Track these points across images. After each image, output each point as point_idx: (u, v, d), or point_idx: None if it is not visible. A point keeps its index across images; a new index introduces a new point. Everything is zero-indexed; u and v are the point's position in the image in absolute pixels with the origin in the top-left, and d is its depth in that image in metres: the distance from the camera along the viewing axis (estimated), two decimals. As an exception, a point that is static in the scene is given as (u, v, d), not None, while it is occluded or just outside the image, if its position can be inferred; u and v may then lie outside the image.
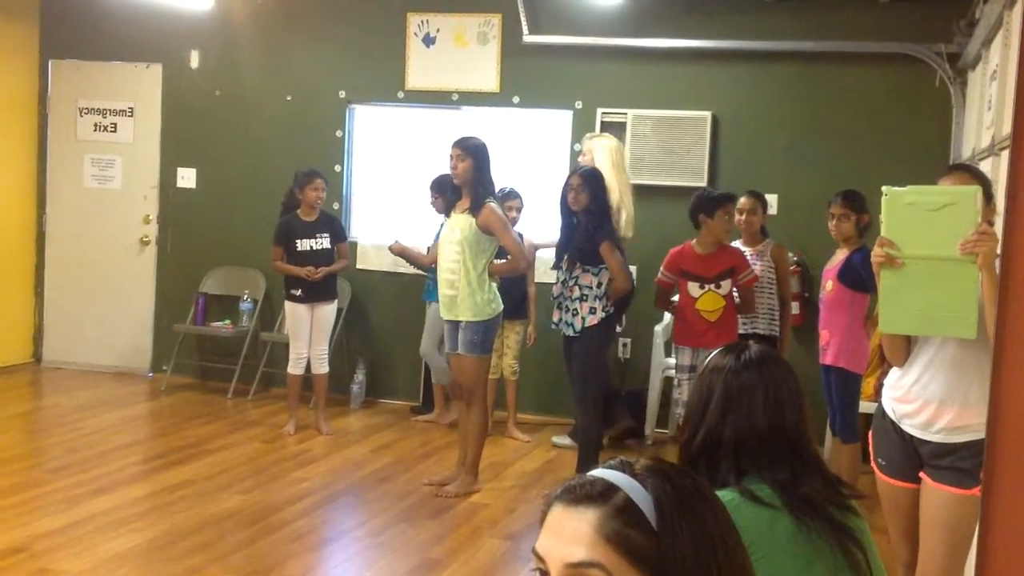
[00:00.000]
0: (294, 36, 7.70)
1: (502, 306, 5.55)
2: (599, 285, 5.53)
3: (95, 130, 8.18)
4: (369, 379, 7.51)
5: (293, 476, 5.77)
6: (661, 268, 5.69)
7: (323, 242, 6.62)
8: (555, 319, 5.68)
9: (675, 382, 5.83)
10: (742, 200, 5.93)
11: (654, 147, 6.99)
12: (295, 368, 6.67)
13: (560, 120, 7.31)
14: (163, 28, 7.79)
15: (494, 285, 5.51)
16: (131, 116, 8.12)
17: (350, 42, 7.61)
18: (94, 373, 8.04)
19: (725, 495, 1.93)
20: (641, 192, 6.96)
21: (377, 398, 7.56)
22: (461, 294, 5.41)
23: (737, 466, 2.03)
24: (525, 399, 7.03)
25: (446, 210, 5.65)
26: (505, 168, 7.00)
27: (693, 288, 5.54)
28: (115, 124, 8.15)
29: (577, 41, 7.15)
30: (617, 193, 6.09)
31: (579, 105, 7.18)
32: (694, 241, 5.63)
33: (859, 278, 4.96)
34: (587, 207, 5.54)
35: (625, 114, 7.01)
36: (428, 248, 6.25)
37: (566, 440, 6.56)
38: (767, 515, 1.96)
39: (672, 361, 6.23)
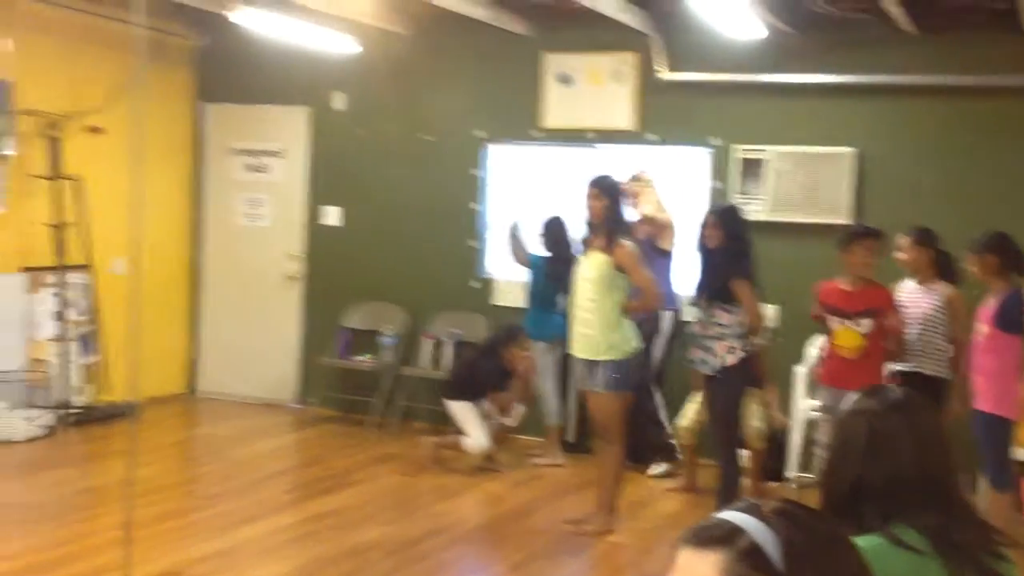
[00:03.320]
0: (433, 78, 7.90)
1: (638, 343, 5.55)
2: (739, 323, 5.46)
3: (247, 170, 8.54)
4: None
5: (434, 509, 5.87)
6: (815, 302, 5.63)
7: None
8: (693, 358, 5.64)
9: (818, 423, 5.72)
10: (899, 238, 5.76)
11: (794, 184, 6.90)
12: (474, 452, 6.66)
13: (697, 158, 7.29)
14: (310, 72, 8.09)
15: (630, 324, 5.52)
16: (280, 157, 8.45)
17: (487, 82, 7.77)
18: (244, 404, 8.34)
19: (870, 541, 1.91)
20: (780, 230, 6.89)
21: (514, 434, 7.60)
22: (596, 332, 5.43)
23: (882, 512, 2.00)
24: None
25: (605, 248, 5.68)
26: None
27: (833, 323, 5.45)
28: (265, 165, 8.50)
29: (714, 78, 7.13)
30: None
31: (717, 142, 7.16)
32: (841, 277, 5.54)
33: (1015, 321, 4.81)
34: (722, 244, 5.50)
35: (764, 151, 6.95)
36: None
37: (662, 468, 6.73)
38: (915, 561, 1.93)
39: (814, 402, 6.12)
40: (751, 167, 6.99)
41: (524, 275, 7.12)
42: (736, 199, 6.91)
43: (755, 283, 5.52)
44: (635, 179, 6.77)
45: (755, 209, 6.92)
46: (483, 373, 6.73)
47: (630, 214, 6.04)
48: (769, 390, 6.12)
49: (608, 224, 5.44)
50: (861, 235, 5.51)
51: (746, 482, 6.47)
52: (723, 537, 1.17)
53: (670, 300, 6.61)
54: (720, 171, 7.14)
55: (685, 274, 6.62)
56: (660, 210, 6.83)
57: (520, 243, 6.93)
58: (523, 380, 6.76)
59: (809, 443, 6.43)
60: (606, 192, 5.47)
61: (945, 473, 2.04)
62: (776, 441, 6.59)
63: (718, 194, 7.10)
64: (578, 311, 5.54)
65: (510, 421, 6.80)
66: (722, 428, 5.58)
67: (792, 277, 6.54)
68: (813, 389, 6.25)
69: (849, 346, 5.38)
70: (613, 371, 5.42)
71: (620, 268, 5.40)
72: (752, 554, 1.15)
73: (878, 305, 5.41)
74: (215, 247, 8.65)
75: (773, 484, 6.50)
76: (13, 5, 6.93)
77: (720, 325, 5.47)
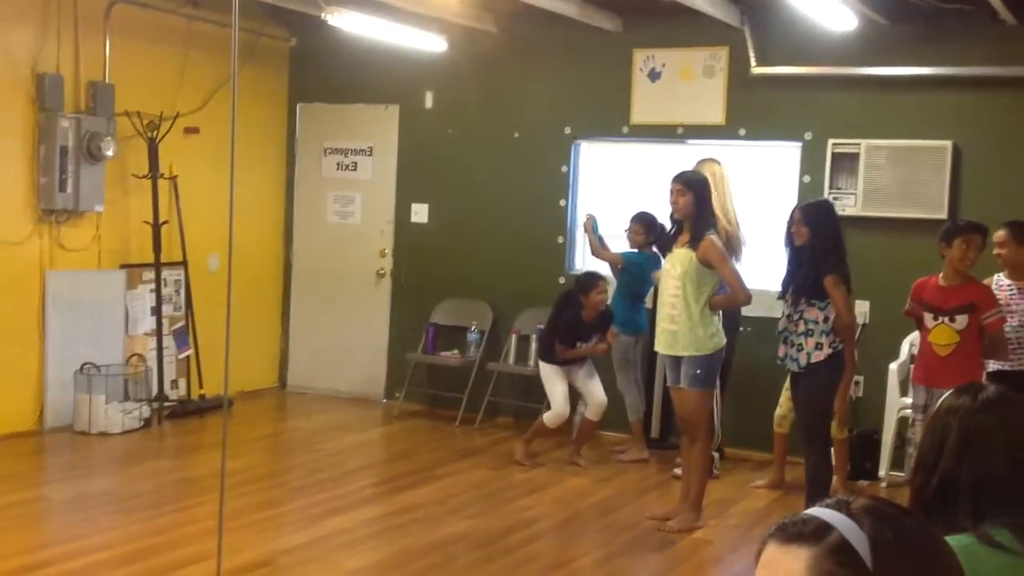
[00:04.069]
0: (521, 75, 7.92)
1: (725, 340, 5.49)
2: (825, 320, 5.32)
3: (338, 169, 8.67)
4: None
5: (518, 504, 5.89)
6: (908, 299, 5.50)
7: (595, 340, 6.78)
8: (780, 354, 5.52)
9: (910, 421, 5.59)
10: (997, 233, 5.60)
11: (889, 179, 6.75)
12: (552, 423, 6.68)
13: (788, 153, 7.18)
14: (400, 71, 8.18)
15: (716, 319, 5.47)
16: (370, 155, 8.56)
17: (576, 79, 7.75)
18: (333, 398, 8.47)
19: (961, 540, 1.86)
20: (873, 225, 6.75)
21: (598, 430, 7.58)
22: (682, 328, 5.39)
23: (974, 511, 1.95)
24: (730, 434, 6.88)
25: (663, 246, 5.64)
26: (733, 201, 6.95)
27: (928, 319, 5.32)
28: (356, 163, 8.61)
29: (807, 71, 7.01)
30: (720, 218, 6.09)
31: (808, 136, 7.04)
32: (941, 273, 5.40)
33: None
34: (810, 240, 5.39)
35: (858, 145, 6.81)
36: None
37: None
38: (1008, 561, 1.87)
39: (908, 400, 5.98)
40: (844, 161, 6.85)
41: (606, 269, 7.09)
42: (828, 194, 6.80)
43: (846, 279, 5.40)
44: (703, 162, 6.56)
45: (848, 204, 6.80)
46: (564, 324, 6.68)
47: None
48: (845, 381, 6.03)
49: (693, 219, 5.40)
50: (963, 230, 5.36)
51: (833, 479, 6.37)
52: (811, 533, 1.16)
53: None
54: (811, 166, 7.02)
55: (770, 268, 6.53)
56: (723, 214, 6.58)
57: (592, 238, 6.93)
58: (593, 309, 6.64)
59: (901, 441, 6.30)
60: (690, 187, 5.43)
61: (1041, 472, 1.98)
62: (868, 439, 6.47)
63: (808, 189, 6.98)
64: (664, 308, 5.51)
65: (591, 414, 6.76)
66: (809, 426, 5.48)
67: (885, 273, 6.41)
68: (906, 387, 6.11)
69: (944, 343, 5.25)
70: (698, 367, 5.37)
71: (706, 264, 5.35)
72: (841, 550, 1.13)
73: (974, 301, 5.26)
74: (306, 244, 8.79)
75: (864, 482, 6.38)
76: (113, 10, 7.14)
77: (808, 321, 5.37)
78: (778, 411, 6.36)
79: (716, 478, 6.42)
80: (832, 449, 5.71)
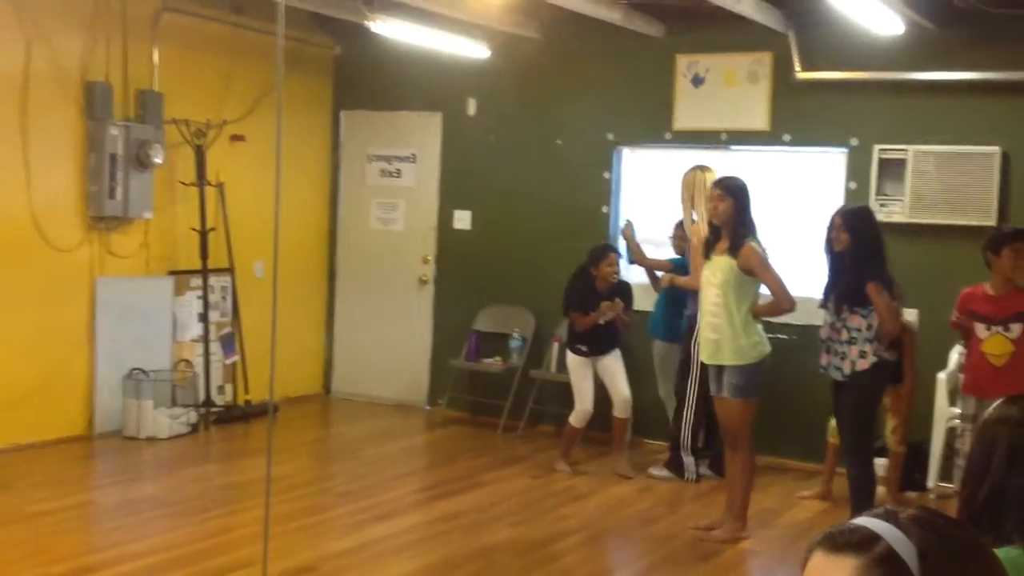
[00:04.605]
0: (564, 81, 7.92)
1: (769, 348, 5.44)
2: (869, 327, 5.24)
3: (381, 176, 8.72)
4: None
5: (560, 512, 5.88)
6: (954, 309, 5.42)
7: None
8: (823, 363, 5.44)
9: (958, 431, 5.51)
10: None
11: (936, 185, 6.66)
12: (578, 421, 6.70)
13: (833, 159, 7.12)
14: (443, 78, 8.21)
15: (759, 327, 5.42)
16: (413, 162, 8.60)
17: (619, 85, 7.74)
18: (376, 404, 8.50)
19: (1008, 552, 1.83)
20: (921, 232, 6.67)
21: (643, 438, 7.55)
22: (724, 337, 5.34)
23: (1022, 523, 1.92)
24: (773, 444, 6.80)
25: (705, 252, 5.58)
26: (774, 209, 6.91)
27: (980, 330, 5.24)
28: (399, 170, 8.66)
29: (853, 76, 6.94)
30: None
31: (855, 142, 6.97)
32: (989, 282, 5.32)
33: None
34: (851, 246, 5.31)
35: (905, 151, 6.74)
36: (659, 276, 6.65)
37: (663, 472, 6.66)
38: (1058, 576, 1.84)
39: (956, 410, 5.90)
40: (890, 168, 6.78)
41: (643, 275, 7.06)
42: (874, 201, 6.74)
43: (889, 286, 5.32)
44: (699, 169, 6.59)
45: (895, 211, 6.73)
46: (576, 292, 6.63)
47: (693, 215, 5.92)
48: (906, 391, 5.94)
49: (733, 226, 5.34)
50: (1012, 238, 5.28)
51: (882, 490, 6.30)
52: (859, 543, 1.15)
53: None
54: (857, 172, 6.95)
55: (814, 275, 6.47)
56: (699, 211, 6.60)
57: (634, 244, 6.88)
58: (604, 280, 6.57)
59: (950, 452, 6.21)
60: (731, 193, 5.37)
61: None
62: (916, 450, 6.38)
63: (854, 195, 6.91)
64: (705, 316, 5.46)
65: (617, 412, 6.71)
66: (853, 435, 5.40)
67: (933, 281, 6.33)
68: (954, 397, 6.03)
69: (999, 353, 5.17)
70: (741, 377, 5.32)
71: (747, 271, 5.29)
72: (888, 561, 1.12)
73: None
74: (350, 251, 8.85)
75: (912, 494, 6.30)
76: (161, 19, 7.23)
77: (852, 329, 5.28)
78: (833, 422, 6.27)
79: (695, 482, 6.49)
80: (874, 459, 5.63)
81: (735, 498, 5.50)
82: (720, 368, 5.40)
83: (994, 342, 5.20)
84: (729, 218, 5.35)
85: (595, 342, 6.66)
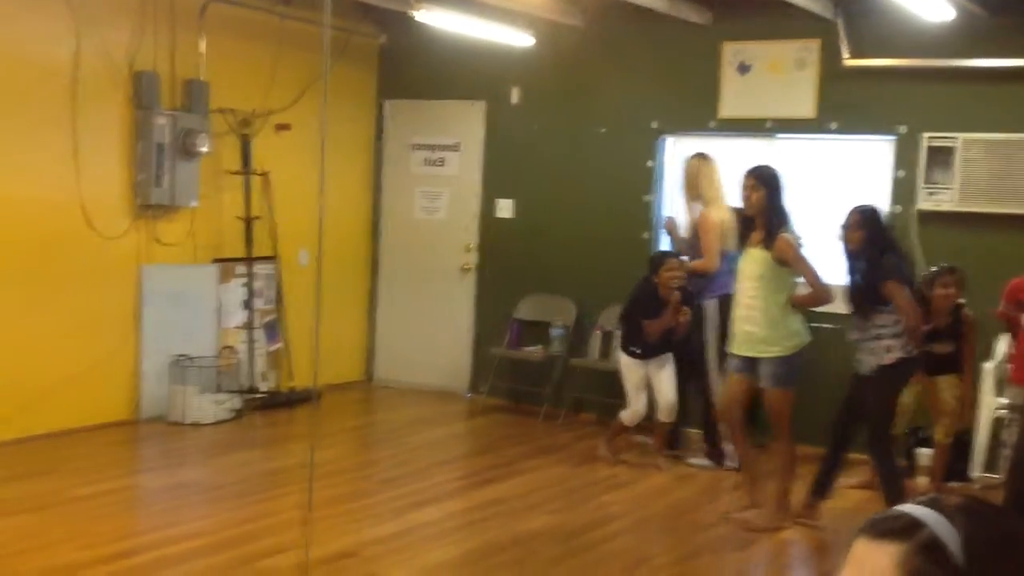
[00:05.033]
0: (608, 70, 7.88)
1: (807, 338, 5.39)
2: (895, 323, 5.21)
3: (424, 164, 8.73)
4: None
5: (600, 500, 5.87)
6: (1001, 299, 5.34)
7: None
8: (857, 359, 5.42)
9: (1005, 422, 5.44)
10: None
11: (986, 173, 6.55)
12: (629, 421, 6.64)
13: (880, 147, 7.03)
14: (487, 67, 8.21)
15: (799, 317, 5.36)
16: (457, 151, 8.61)
17: (663, 73, 7.69)
18: (418, 392, 8.54)
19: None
20: (970, 220, 6.58)
21: (685, 428, 7.51)
22: (761, 329, 5.30)
23: (1071, 514, 1.89)
24: (819, 433, 6.73)
25: (739, 243, 5.53)
26: (820, 198, 6.85)
27: None
28: (442, 159, 8.67)
29: (901, 63, 6.85)
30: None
31: (903, 130, 6.87)
32: None
33: None
34: (863, 246, 5.26)
35: (955, 138, 6.63)
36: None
37: (705, 461, 6.66)
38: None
39: (1003, 401, 5.81)
40: (939, 156, 6.68)
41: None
42: (922, 189, 6.67)
43: (908, 280, 5.28)
44: (700, 157, 6.73)
45: (943, 199, 6.64)
46: (640, 301, 6.54)
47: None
48: (965, 382, 5.86)
49: (767, 216, 5.27)
50: None
51: (923, 480, 6.25)
52: (902, 529, 1.13)
53: (717, 287, 6.51)
54: (905, 160, 6.86)
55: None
56: (715, 206, 6.64)
57: (677, 235, 6.83)
58: (673, 304, 6.43)
59: (995, 442, 6.12)
60: (764, 182, 5.30)
61: None
62: (961, 439, 6.31)
63: (902, 184, 6.84)
64: (740, 309, 5.41)
65: (661, 415, 6.65)
66: (874, 429, 5.36)
67: (982, 270, 6.23)
68: (1001, 387, 5.94)
69: None
70: (780, 367, 5.28)
71: (782, 262, 5.23)
72: (931, 548, 1.11)
73: None
74: (393, 239, 8.88)
75: (956, 484, 6.22)
76: (208, 9, 7.29)
77: (878, 326, 5.25)
78: None
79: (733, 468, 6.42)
80: (915, 449, 5.57)
81: (776, 487, 5.46)
82: (755, 360, 5.35)
83: None
84: (763, 208, 5.28)
85: (649, 346, 6.59)
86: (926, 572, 1.12)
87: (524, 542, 5.12)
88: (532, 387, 8.00)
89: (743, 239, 5.46)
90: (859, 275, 5.31)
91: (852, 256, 5.35)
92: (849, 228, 5.32)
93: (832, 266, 5.65)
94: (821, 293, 5.32)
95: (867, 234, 5.25)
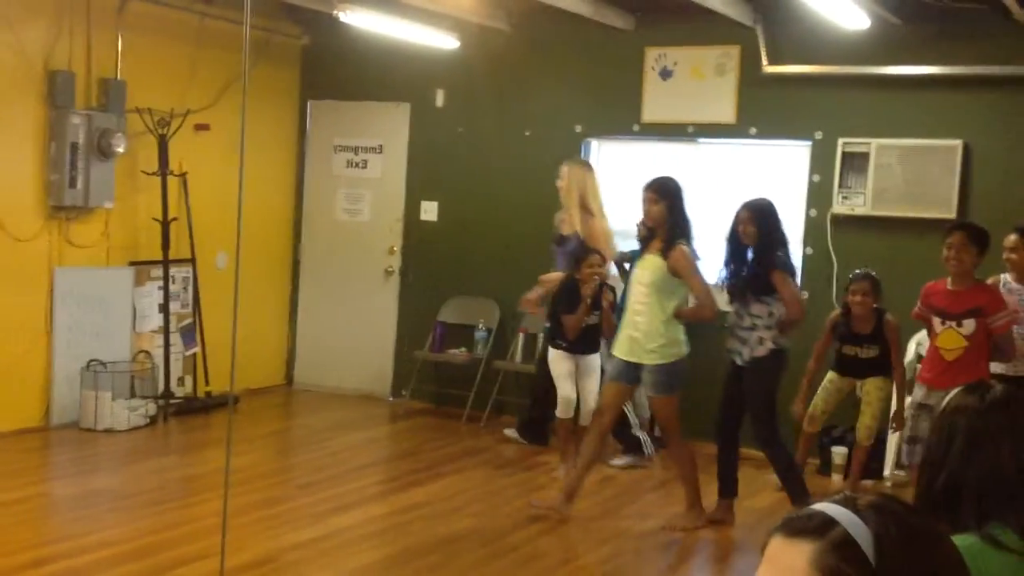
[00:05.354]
0: (533, 73, 7.90)
1: (686, 350, 5.46)
2: (770, 315, 5.40)
3: (347, 166, 8.66)
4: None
5: (522, 503, 5.86)
6: (918, 301, 5.48)
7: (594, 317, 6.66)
8: (729, 347, 5.61)
9: (907, 417, 5.56)
10: (1008, 237, 5.54)
11: (899, 178, 6.70)
12: (563, 412, 6.52)
13: (798, 152, 7.15)
14: (411, 69, 8.17)
15: (681, 328, 5.43)
16: (380, 153, 8.55)
17: (587, 77, 7.73)
18: (340, 396, 8.46)
19: (964, 540, 1.83)
20: (884, 225, 6.72)
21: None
22: (644, 336, 5.36)
23: (979, 511, 1.93)
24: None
25: (661, 252, 5.53)
26: (741, 201, 6.93)
27: (936, 323, 5.28)
28: (366, 161, 8.60)
29: (818, 71, 6.97)
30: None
31: (819, 136, 7.00)
32: (950, 276, 5.36)
33: None
34: (756, 238, 5.44)
35: (868, 144, 6.78)
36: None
37: (625, 459, 6.80)
38: (1011, 562, 1.85)
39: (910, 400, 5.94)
40: (854, 161, 6.82)
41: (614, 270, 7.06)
42: (837, 193, 6.82)
43: (793, 274, 5.50)
44: (580, 165, 6.89)
45: (857, 204, 6.79)
46: (563, 295, 6.44)
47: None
48: (898, 386, 5.98)
49: (667, 227, 5.35)
50: (950, 231, 5.31)
51: (837, 479, 6.36)
52: (816, 528, 1.16)
53: None
54: (821, 165, 6.99)
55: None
56: (590, 209, 6.76)
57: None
58: (585, 301, 6.33)
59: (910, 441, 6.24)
60: (663, 195, 5.38)
61: (1047, 472, 1.96)
62: (877, 438, 6.43)
63: (818, 188, 6.97)
64: (628, 313, 5.48)
65: (583, 419, 6.61)
66: (757, 419, 5.51)
67: (895, 273, 6.36)
68: (911, 386, 6.08)
69: (950, 347, 5.20)
70: (660, 375, 5.37)
71: (675, 273, 5.31)
72: (844, 546, 1.13)
73: (982, 305, 5.20)
74: (315, 241, 8.79)
75: (868, 482, 6.35)
76: (125, 7, 7.14)
77: (753, 316, 5.43)
78: (810, 410, 6.29)
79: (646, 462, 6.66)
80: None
81: (687, 488, 5.54)
82: (636, 366, 5.41)
83: (947, 336, 5.22)
84: (662, 220, 5.37)
85: (576, 341, 6.56)
86: (839, 570, 1.13)
87: (447, 545, 5.09)
88: (455, 390, 7.97)
89: (643, 247, 5.53)
90: (746, 265, 5.46)
91: (739, 244, 5.50)
92: (743, 223, 5.46)
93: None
94: (707, 309, 5.36)
95: (759, 228, 5.43)
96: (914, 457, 5.34)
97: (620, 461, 6.77)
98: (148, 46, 7.38)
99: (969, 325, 5.17)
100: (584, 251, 6.58)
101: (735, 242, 5.55)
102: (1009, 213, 6.10)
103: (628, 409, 6.67)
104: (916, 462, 5.27)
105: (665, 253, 5.32)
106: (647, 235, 5.52)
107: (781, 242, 5.51)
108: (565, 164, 6.90)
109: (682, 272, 5.30)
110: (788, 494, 5.53)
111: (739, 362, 5.51)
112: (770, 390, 5.50)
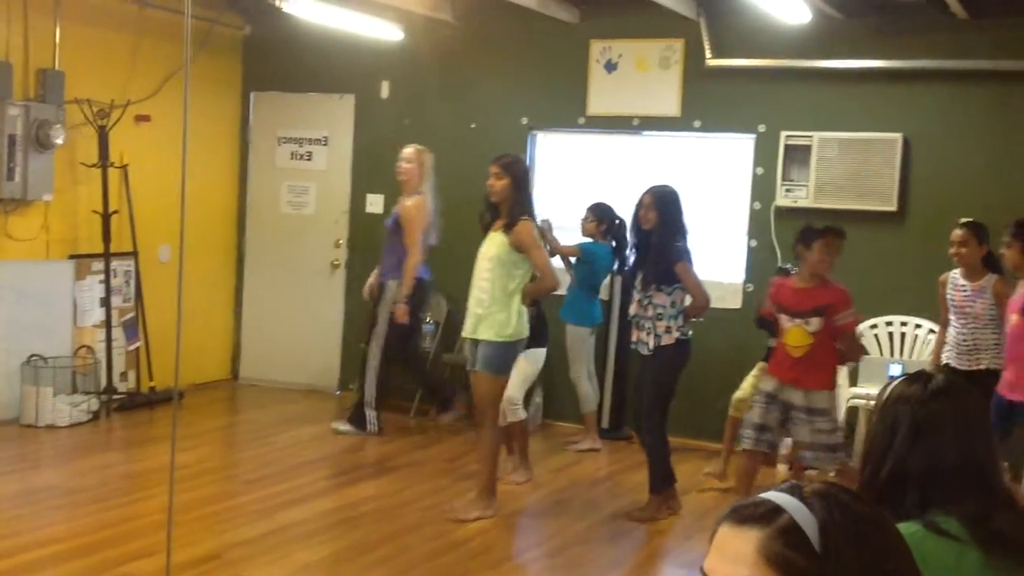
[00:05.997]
0: (478, 65, 7.89)
1: (526, 332, 5.44)
2: (673, 304, 5.43)
3: (292, 158, 8.58)
4: (545, 401, 7.55)
5: (473, 495, 5.85)
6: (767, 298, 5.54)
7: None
8: (633, 339, 5.62)
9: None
10: (954, 232, 5.61)
11: (840, 171, 6.80)
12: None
13: (742, 145, 7.22)
14: (356, 60, 8.11)
15: (522, 308, 5.39)
16: (325, 145, 8.48)
17: (533, 70, 7.74)
18: (286, 390, 8.39)
19: (908, 528, 1.87)
20: (825, 217, 6.78)
21: (554, 420, 7.59)
22: (486, 312, 5.34)
23: (922, 499, 1.96)
24: (682, 424, 6.91)
25: (504, 228, 5.43)
26: (684, 194, 6.98)
27: (784, 320, 5.29)
28: (310, 153, 8.53)
29: (761, 64, 7.05)
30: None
31: (762, 129, 7.08)
32: (797, 275, 5.42)
33: None
34: (658, 225, 5.44)
35: (810, 137, 6.87)
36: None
37: (346, 426, 7.07)
38: (953, 548, 1.89)
39: (858, 390, 6.03)
40: (796, 153, 6.91)
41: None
42: (780, 186, 6.90)
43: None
44: (420, 150, 7.03)
45: (800, 196, 6.88)
46: None
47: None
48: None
49: (510, 204, 5.35)
50: (824, 233, 5.35)
51: (782, 468, 6.43)
52: (762, 515, 1.18)
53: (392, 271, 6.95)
54: (764, 158, 7.07)
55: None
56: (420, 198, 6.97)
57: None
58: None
59: (849, 431, 6.29)
60: (508, 170, 5.38)
61: (987, 461, 2.00)
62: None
63: (761, 181, 7.05)
64: (473, 290, 5.47)
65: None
66: (651, 405, 5.52)
67: (837, 264, 6.44)
68: (855, 377, 6.18)
69: (797, 344, 5.18)
70: (492, 352, 5.32)
71: (518, 248, 5.31)
72: (790, 533, 1.15)
73: (829, 303, 5.18)
74: (260, 234, 8.70)
75: (813, 472, 6.40)
76: (62, -6, 7.01)
77: (657, 306, 5.44)
78: (737, 394, 6.32)
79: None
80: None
81: (481, 474, 5.49)
82: (475, 342, 5.40)
83: (793, 334, 5.20)
84: (507, 196, 5.37)
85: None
86: (784, 556, 1.15)
87: (396, 539, 5.08)
88: (403, 383, 7.93)
89: (487, 225, 5.51)
90: (650, 252, 5.45)
91: (642, 234, 5.51)
92: (644, 208, 5.47)
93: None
94: (548, 280, 5.38)
95: (661, 214, 5.43)
96: (758, 444, 5.27)
97: (343, 427, 7.10)
98: (87, 36, 7.26)
99: (816, 323, 5.14)
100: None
101: (638, 230, 5.54)
102: (948, 205, 6.23)
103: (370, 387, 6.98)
104: (761, 449, 5.31)
105: (508, 229, 5.31)
106: (490, 214, 5.48)
107: (681, 231, 5.49)
108: (411, 147, 7.01)
109: (524, 246, 5.29)
110: (650, 479, 5.51)
111: (645, 352, 5.50)
112: (671, 380, 5.53)
